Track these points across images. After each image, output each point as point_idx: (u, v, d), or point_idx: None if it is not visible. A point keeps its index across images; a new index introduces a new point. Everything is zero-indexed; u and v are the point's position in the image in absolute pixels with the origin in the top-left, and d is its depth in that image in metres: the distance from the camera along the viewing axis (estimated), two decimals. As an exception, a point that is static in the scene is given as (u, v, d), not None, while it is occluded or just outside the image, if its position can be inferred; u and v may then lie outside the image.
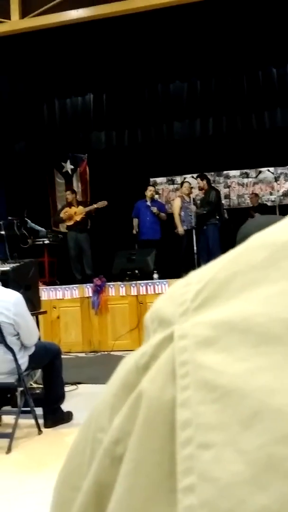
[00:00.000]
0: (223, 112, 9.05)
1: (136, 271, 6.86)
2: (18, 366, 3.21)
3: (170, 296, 0.28)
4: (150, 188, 8.03)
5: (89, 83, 7.25)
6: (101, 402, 0.27)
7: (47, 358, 3.51)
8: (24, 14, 6.80)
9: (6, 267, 4.05)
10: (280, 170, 9.62)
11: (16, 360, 3.18)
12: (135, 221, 8.00)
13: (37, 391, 3.95)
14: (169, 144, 9.70)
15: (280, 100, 8.68)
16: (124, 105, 8.44)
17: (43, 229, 8.30)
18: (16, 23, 6.76)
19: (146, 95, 8.39)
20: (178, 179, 9.90)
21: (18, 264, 4.22)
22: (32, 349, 3.37)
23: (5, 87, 7.39)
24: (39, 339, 3.58)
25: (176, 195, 9.06)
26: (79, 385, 4.74)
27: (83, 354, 6.54)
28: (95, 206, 7.80)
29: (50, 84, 7.25)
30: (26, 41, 7.00)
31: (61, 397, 3.64)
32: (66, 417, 3.64)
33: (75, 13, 6.64)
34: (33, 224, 8.17)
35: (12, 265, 4.19)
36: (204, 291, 0.26)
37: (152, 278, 6.82)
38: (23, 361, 3.29)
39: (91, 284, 6.78)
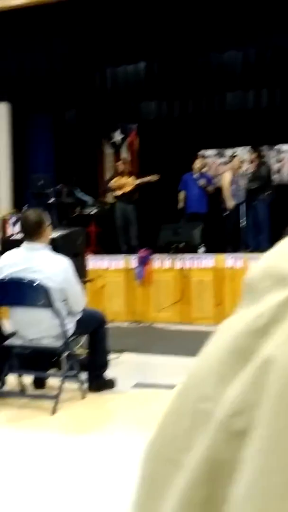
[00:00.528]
0: (278, 84, 8.72)
1: (182, 244, 6.82)
2: (64, 331, 3.27)
3: (285, 253, 0.25)
4: (198, 160, 7.88)
5: (141, 51, 7.09)
6: (201, 370, 0.24)
7: (93, 325, 3.56)
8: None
9: (55, 234, 4.09)
10: None
11: (63, 325, 3.25)
12: (182, 194, 7.91)
13: (82, 356, 4.03)
14: (220, 115, 9.45)
15: None
16: (176, 74, 8.25)
17: (91, 198, 8.34)
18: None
19: (199, 65, 8.16)
20: (228, 152, 9.67)
21: (67, 231, 4.26)
22: (79, 315, 3.42)
23: (57, 55, 7.36)
24: (86, 306, 3.63)
25: (225, 168, 8.87)
26: (123, 354, 4.81)
27: (125, 324, 6.62)
28: (146, 179, 7.76)
29: (102, 52, 7.15)
30: (78, 7, 6.90)
31: (105, 364, 3.70)
32: (109, 384, 3.71)
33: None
34: (81, 193, 8.22)
35: (61, 232, 4.24)
36: None
37: (197, 252, 6.76)
38: (70, 326, 3.35)
39: (136, 255, 6.80)
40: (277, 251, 0.26)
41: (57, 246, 4.03)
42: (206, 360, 0.25)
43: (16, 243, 3.54)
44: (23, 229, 3.28)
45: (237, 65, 8.39)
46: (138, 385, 3.88)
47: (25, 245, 3.27)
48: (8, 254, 3.34)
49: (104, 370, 3.73)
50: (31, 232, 3.22)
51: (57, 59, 7.43)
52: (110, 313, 6.70)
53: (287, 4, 6.14)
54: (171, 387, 3.82)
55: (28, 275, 3.17)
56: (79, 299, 3.35)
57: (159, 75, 8.35)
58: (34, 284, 3.13)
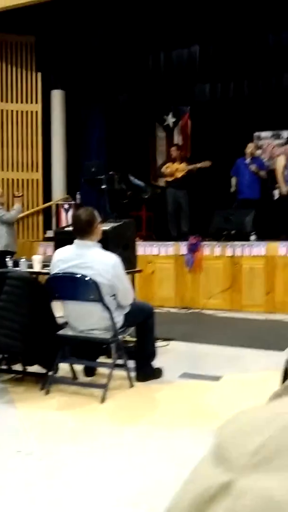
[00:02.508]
0: None
1: (233, 232, 6.79)
2: (114, 323, 3.40)
3: (234, 437, 0.32)
4: (250, 144, 7.72)
5: (196, 34, 7.01)
6: None
7: (141, 317, 3.67)
8: None
9: (107, 226, 4.21)
10: None
11: (112, 318, 3.38)
12: (234, 180, 7.81)
13: (131, 345, 4.16)
14: (276, 96, 9.19)
15: None
16: (231, 56, 8.09)
17: (143, 184, 8.41)
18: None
19: (255, 46, 7.95)
20: (285, 133, 9.41)
21: (117, 224, 4.37)
22: (128, 309, 3.54)
23: (110, 40, 7.39)
24: (134, 299, 3.74)
25: (280, 151, 8.65)
26: (171, 342, 4.91)
27: (175, 310, 6.72)
28: (198, 165, 7.72)
29: (156, 36, 7.12)
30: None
31: (152, 354, 3.82)
32: (156, 374, 3.83)
33: None
34: (133, 179, 8.30)
35: (112, 224, 4.35)
36: (264, 450, 0.29)
37: (249, 240, 6.72)
38: (119, 320, 3.48)
39: (187, 242, 6.84)
40: (232, 427, 0.33)
41: (108, 238, 4.16)
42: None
43: (69, 236, 3.67)
44: (75, 228, 3.41)
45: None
46: (184, 375, 3.97)
47: (76, 242, 3.41)
48: (61, 250, 3.50)
49: (152, 360, 3.85)
50: (83, 231, 3.35)
51: (111, 44, 7.47)
52: (160, 299, 6.84)
53: None
54: (216, 378, 3.90)
55: (79, 271, 3.31)
56: (127, 294, 3.46)
57: (213, 57, 8.22)
58: (86, 279, 3.27)
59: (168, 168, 7.89)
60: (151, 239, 8.56)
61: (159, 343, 4.70)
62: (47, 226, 8.35)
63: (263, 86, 9.17)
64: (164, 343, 4.82)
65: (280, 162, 7.42)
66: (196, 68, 8.42)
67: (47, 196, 8.50)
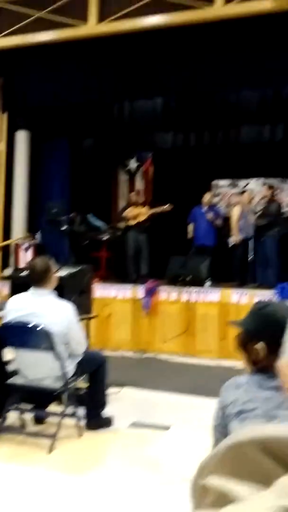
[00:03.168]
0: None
1: (189, 277, 6.97)
2: (65, 373, 3.43)
3: None
4: (207, 194, 8.03)
5: (160, 87, 7.34)
6: None
7: (93, 366, 3.72)
8: (101, 18, 6.98)
9: (63, 272, 4.28)
10: None
11: (63, 367, 3.41)
12: (191, 226, 8.07)
13: (82, 391, 4.17)
14: (235, 147, 9.64)
15: None
16: (192, 108, 8.49)
17: (104, 225, 8.55)
18: (93, 27, 6.96)
19: (216, 101, 8.39)
20: (242, 183, 9.84)
21: (74, 270, 4.44)
22: (80, 357, 3.59)
23: (76, 87, 7.63)
24: (87, 348, 3.79)
25: (236, 200, 9.01)
26: (123, 388, 4.94)
27: (130, 353, 6.76)
28: (160, 208, 7.93)
29: (122, 85, 7.41)
30: (102, 44, 7.18)
31: (103, 403, 3.85)
32: (106, 423, 3.85)
33: (152, 19, 6.73)
34: (94, 220, 8.44)
35: (68, 270, 4.42)
36: None
37: (203, 286, 6.90)
38: (70, 368, 3.51)
39: (144, 286, 6.96)
40: None
41: (64, 285, 4.22)
42: None
43: (25, 281, 3.71)
44: (31, 276, 3.47)
45: (253, 101, 8.60)
46: (134, 424, 4.01)
47: (32, 290, 3.46)
48: (16, 297, 3.54)
49: (102, 409, 3.87)
50: (38, 279, 3.42)
51: (77, 90, 7.71)
52: (116, 342, 6.88)
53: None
54: (166, 427, 3.95)
55: (33, 319, 3.35)
56: (80, 343, 3.52)
57: (175, 108, 8.59)
58: (38, 329, 3.31)
59: (131, 212, 8.08)
60: (110, 280, 8.64)
61: (111, 390, 4.72)
62: (4, 264, 8.32)
63: (222, 137, 9.62)
64: (116, 389, 4.84)
65: (235, 212, 7.73)
66: (158, 117, 8.76)
67: (7, 234, 8.51)
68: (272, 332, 1.51)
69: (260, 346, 1.59)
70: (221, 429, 1.64)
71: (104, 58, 7.34)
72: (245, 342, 1.65)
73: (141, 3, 6.73)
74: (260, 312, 1.64)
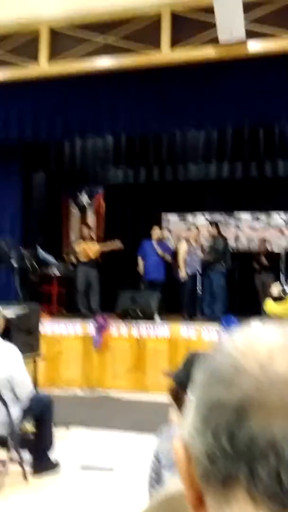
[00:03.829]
0: (238, 158, 9.30)
1: (139, 312, 7.05)
2: (10, 419, 3.40)
3: None
4: (156, 229, 8.19)
5: (110, 125, 7.52)
6: None
7: (39, 409, 3.70)
8: (51, 59, 7.16)
9: (10, 313, 4.27)
10: (291, 216, 9.80)
11: (9, 413, 3.38)
12: (141, 261, 8.19)
13: (28, 435, 4.12)
14: (183, 184, 9.96)
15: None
16: (142, 146, 8.73)
17: (55, 261, 8.55)
18: (42, 68, 7.13)
19: (164, 140, 8.68)
20: (190, 217, 10.13)
21: (22, 311, 4.44)
22: (25, 401, 3.56)
23: (27, 123, 7.71)
24: (33, 390, 3.77)
25: (183, 236, 9.26)
26: (71, 428, 4.90)
27: (80, 391, 6.71)
28: (111, 247, 8.00)
29: (72, 123, 7.55)
30: (54, 84, 7.34)
31: (49, 446, 3.82)
32: (52, 466, 3.81)
33: (101, 62, 6.97)
34: (45, 255, 8.42)
35: (16, 311, 4.41)
36: None
37: (153, 320, 6.99)
38: (16, 413, 3.48)
39: (94, 322, 6.98)
40: None
41: (11, 326, 4.21)
42: None
43: None
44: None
45: (200, 141, 8.95)
46: (82, 467, 3.98)
47: (-24, 335, 3.44)
48: None
49: (49, 452, 3.83)
50: (-17, 324, 3.40)
51: (27, 126, 7.78)
52: (66, 380, 6.83)
53: (242, 90, 6.70)
54: (113, 469, 3.95)
55: (-23, 364, 3.32)
56: (25, 387, 3.50)
57: (126, 146, 8.81)
58: (-18, 374, 3.28)
59: (82, 247, 8.12)
60: (61, 314, 8.60)
61: (59, 431, 4.68)
62: None
63: (171, 174, 9.92)
64: (64, 430, 4.80)
65: (182, 247, 7.94)
66: (109, 153, 8.95)
67: None
68: None
69: None
70: (156, 479, 1.70)
71: (55, 97, 7.48)
72: (179, 394, 1.72)
73: (91, 45, 6.97)
74: (192, 362, 1.71)
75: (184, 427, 0.46)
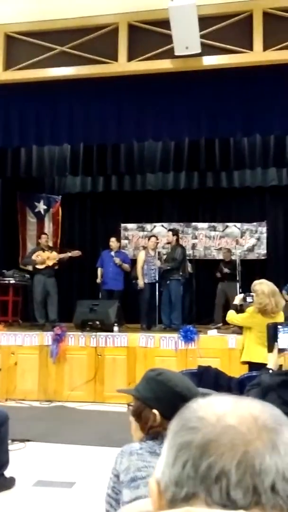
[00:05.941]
0: (195, 168, 9.44)
1: (97, 322, 6.99)
2: None
3: None
4: (114, 239, 8.17)
5: (67, 134, 7.47)
6: None
7: (-7, 425, 3.59)
8: (7, 65, 7.06)
9: None
10: (246, 226, 10.00)
11: None
12: (100, 271, 8.15)
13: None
14: (141, 193, 10.01)
15: (248, 162, 9.11)
16: (99, 155, 8.71)
17: (12, 270, 8.39)
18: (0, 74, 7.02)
19: (122, 150, 8.70)
20: (149, 226, 10.18)
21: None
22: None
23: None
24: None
25: (141, 244, 9.30)
26: (27, 443, 4.79)
27: (37, 403, 6.58)
28: (69, 254, 7.90)
29: (29, 131, 7.45)
30: (10, 90, 7.23)
31: (4, 463, 3.71)
32: (8, 483, 3.71)
33: (58, 71, 6.92)
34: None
35: None
36: None
37: (112, 331, 6.95)
38: None
39: (51, 333, 6.87)
40: None
41: None
42: None
43: None
44: None
45: (157, 151, 9.03)
46: (38, 483, 3.89)
47: None
48: None
49: (4, 469, 3.73)
50: None
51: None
52: (22, 392, 6.68)
53: (201, 102, 6.81)
54: (71, 484, 3.88)
55: None
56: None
57: (84, 155, 8.77)
58: None
59: (39, 256, 7.99)
60: (17, 324, 8.43)
61: (14, 446, 4.56)
62: None
63: (130, 183, 9.95)
64: (21, 445, 4.69)
65: (140, 257, 7.95)
66: (67, 162, 8.88)
67: None
68: (166, 399, 1.59)
69: (156, 412, 1.64)
70: (114, 497, 1.67)
71: (12, 104, 7.37)
72: (141, 409, 1.69)
73: (48, 53, 6.91)
74: (155, 379, 1.69)
75: (156, 468, 0.61)
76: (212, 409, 0.59)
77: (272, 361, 2.89)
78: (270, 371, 2.78)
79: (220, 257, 9.50)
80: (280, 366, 2.76)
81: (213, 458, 0.55)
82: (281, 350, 2.87)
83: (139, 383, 1.76)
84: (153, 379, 1.70)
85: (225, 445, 0.56)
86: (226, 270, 8.75)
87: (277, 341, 2.89)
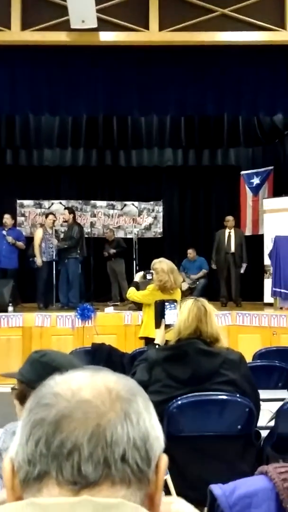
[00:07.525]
0: (93, 145, 9.37)
1: (-10, 302, 6.77)
2: None
3: None
4: (7, 216, 7.84)
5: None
6: None
7: None
8: None
9: None
10: (143, 205, 10.16)
11: None
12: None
13: None
14: (38, 169, 9.73)
15: (146, 142, 9.24)
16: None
17: None
18: None
19: (18, 123, 8.37)
20: (46, 203, 9.94)
21: None
22: None
23: None
24: None
25: (40, 222, 9.09)
26: None
27: None
28: None
29: None
30: None
31: None
32: None
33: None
34: None
35: None
36: None
37: (6, 311, 6.77)
38: None
39: None
40: None
41: None
42: None
43: None
44: None
45: (54, 126, 8.81)
46: None
47: None
48: None
49: None
50: None
51: None
52: None
53: (93, 82, 6.72)
54: None
55: None
56: None
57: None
58: None
59: None
60: None
61: None
62: None
63: (26, 157, 9.63)
64: None
65: (37, 235, 7.78)
66: None
67: None
68: None
69: None
70: None
71: None
72: (25, 392, 1.66)
73: None
74: (39, 361, 1.66)
75: (11, 447, 0.59)
76: (67, 385, 0.58)
77: (159, 336, 3.02)
78: (157, 346, 2.90)
79: (119, 235, 9.57)
80: (167, 341, 2.88)
81: (65, 434, 0.54)
82: (167, 326, 2.99)
83: (23, 366, 1.73)
84: (37, 361, 1.67)
85: (78, 420, 0.55)
86: (110, 250, 8.75)
87: (164, 318, 3.02)
